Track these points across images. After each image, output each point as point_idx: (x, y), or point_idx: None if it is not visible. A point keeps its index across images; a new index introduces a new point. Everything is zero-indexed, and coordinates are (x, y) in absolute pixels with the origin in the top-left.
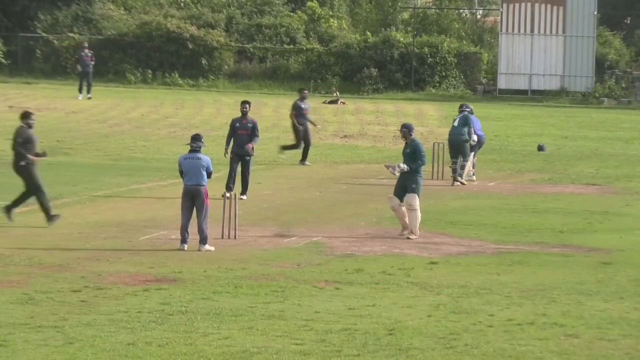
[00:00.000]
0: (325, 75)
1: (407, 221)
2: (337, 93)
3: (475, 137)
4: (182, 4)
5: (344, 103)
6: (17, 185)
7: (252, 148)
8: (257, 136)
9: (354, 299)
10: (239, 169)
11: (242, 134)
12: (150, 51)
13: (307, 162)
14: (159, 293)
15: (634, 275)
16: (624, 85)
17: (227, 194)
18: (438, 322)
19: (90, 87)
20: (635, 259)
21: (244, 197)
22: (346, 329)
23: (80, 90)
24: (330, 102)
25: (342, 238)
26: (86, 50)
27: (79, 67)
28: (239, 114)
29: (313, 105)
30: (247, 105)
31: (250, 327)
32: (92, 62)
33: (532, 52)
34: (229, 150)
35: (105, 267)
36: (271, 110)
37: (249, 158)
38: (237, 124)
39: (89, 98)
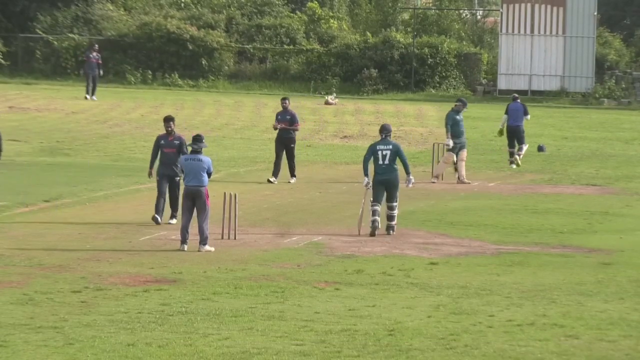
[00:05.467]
0: (325, 75)
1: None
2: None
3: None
4: (182, 5)
5: (334, 102)
6: (17, 185)
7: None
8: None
9: (354, 300)
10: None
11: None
12: (150, 52)
13: (291, 180)
14: (159, 294)
15: (634, 276)
16: (624, 85)
17: (273, 180)
18: (438, 322)
19: (95, 89)
20: (635, 259)
21: (293, 180)
22: (346, 330)
23: (87, 91)
24: (327, 103)
25: (342, 239)
26: (95, 53)
27: (90, 60)
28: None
29: (314, 105)
30: (287, 101)
31: (250, 327)
32: (99, 64)
33: (532, 53)
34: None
35: (105, 267)
36: (271, 111)
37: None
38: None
39: (93, 99)
